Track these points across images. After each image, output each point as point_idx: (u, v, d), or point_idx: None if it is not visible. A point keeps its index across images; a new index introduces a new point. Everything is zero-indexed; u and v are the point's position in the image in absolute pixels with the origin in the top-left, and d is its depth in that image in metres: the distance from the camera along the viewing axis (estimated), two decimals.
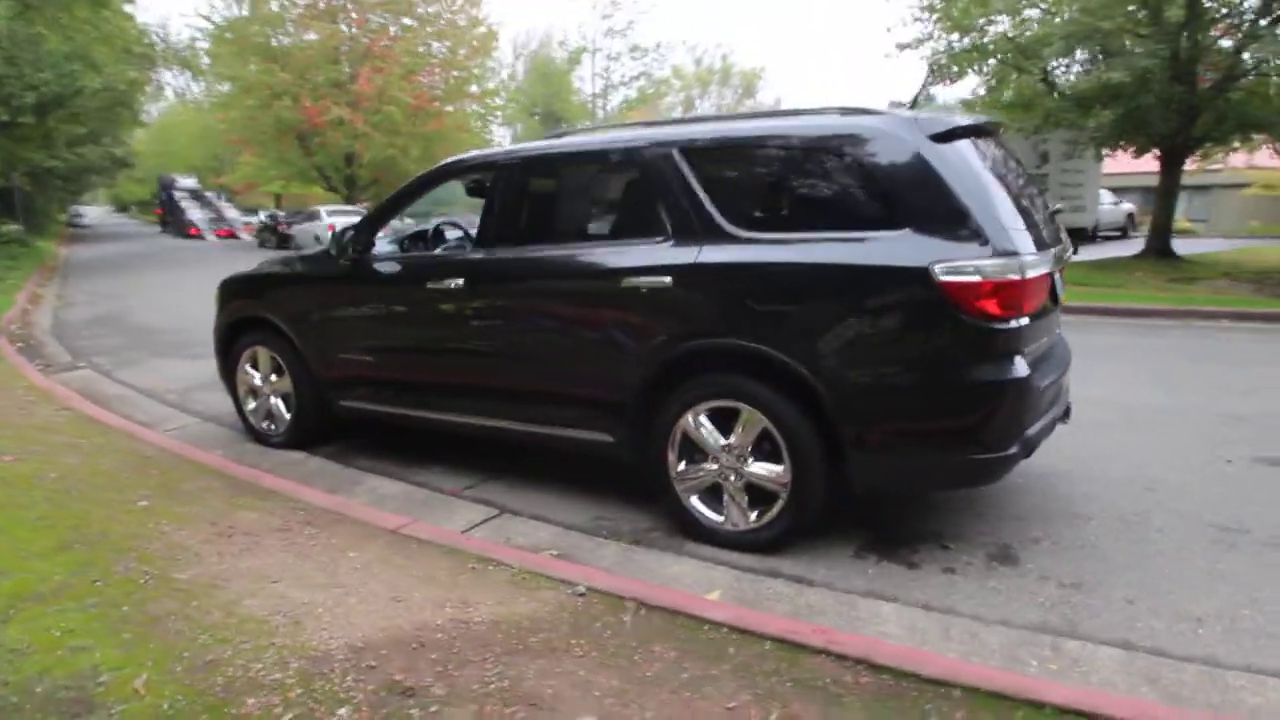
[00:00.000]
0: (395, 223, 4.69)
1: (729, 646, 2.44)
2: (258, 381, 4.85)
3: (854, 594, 2.96)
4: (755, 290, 3.11)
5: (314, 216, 24.46)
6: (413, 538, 3.26)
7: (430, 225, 4.72)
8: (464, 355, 3.90)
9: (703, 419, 3.30)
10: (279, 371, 4.73)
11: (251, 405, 4.93)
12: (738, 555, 3.26)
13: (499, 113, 35.88)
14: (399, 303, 4.12)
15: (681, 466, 3.40)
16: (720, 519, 3.35)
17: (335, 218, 23.47)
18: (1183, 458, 4.31)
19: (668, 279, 3.26)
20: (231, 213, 38.66)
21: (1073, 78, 13.71)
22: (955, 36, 13.54)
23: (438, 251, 4.39)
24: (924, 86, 14.45)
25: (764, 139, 3.25)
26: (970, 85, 14.27)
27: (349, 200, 29.73)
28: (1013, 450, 2.94)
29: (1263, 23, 11.49)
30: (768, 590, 2.97)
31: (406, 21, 29.67)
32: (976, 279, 2.80)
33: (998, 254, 2.82)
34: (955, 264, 2.81)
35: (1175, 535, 3.38)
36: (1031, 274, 2.87)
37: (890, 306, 2.94)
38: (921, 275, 2.84)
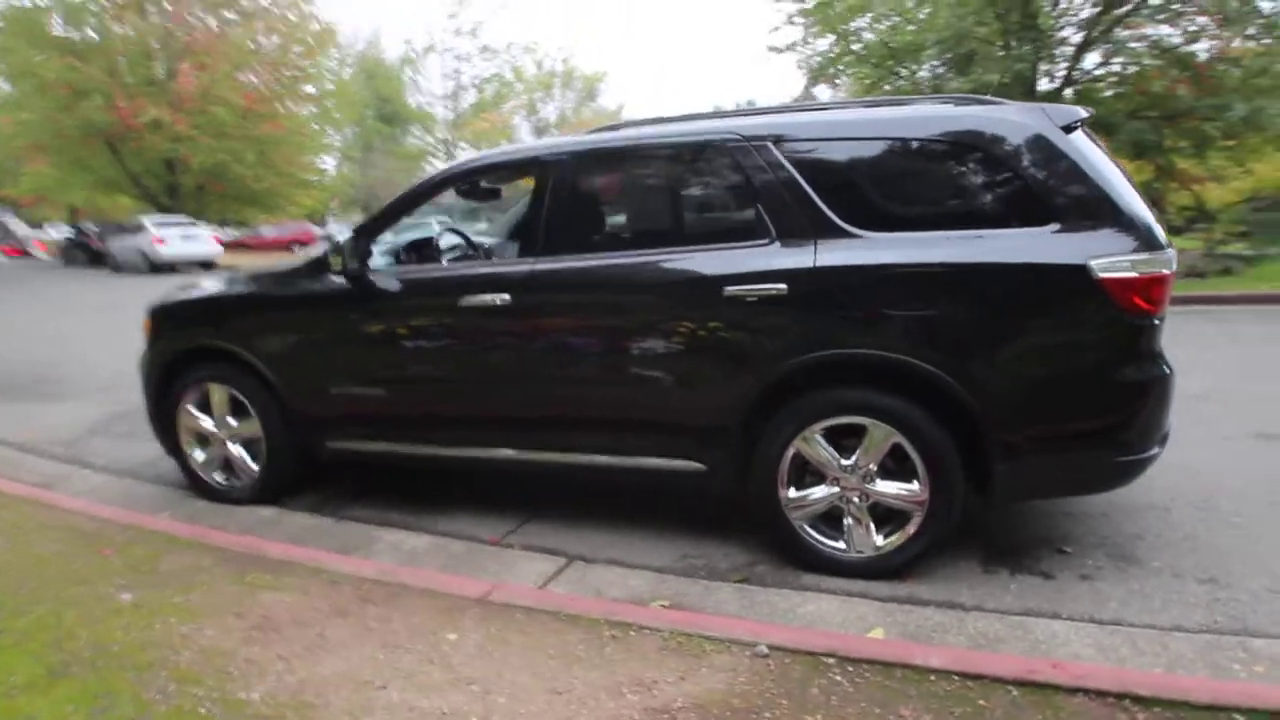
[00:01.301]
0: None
1: (977, 699, 2.15)
2: (208, 426, 4.00)
3: (1013, 614, 2.76)
4: (889, 294, 2.84)
5: (136, 229, 21.70)
6: (511, 605, 2.72)
7: (431, 234, 4.07)
8: (511, 382, 3.35)
9: (819, 438, 3.00)
10: (240, 413, 3.92)
11: (200, 455, 4.06)
12: (867, 584, 2.98)
13: (338, 114, 33.62)
14: (419, 324, 3.49)
15: (792, 492, 3.07)
16: (841, 546, 3.06)
17: (163, 229, 20.93)
18: (1207, 437, 4.49)
19: (782, 286, 2.92)
20: (21, 228, 33.68)
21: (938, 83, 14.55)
22: (831, 40, 14.04)
23: (461, 262, 3.77)
24: (806, 89, 14.91)
25: (882, 131, 2.99)
26: (842, 88, 14.80)
27: (165, 210, 26.63)
28: (1154, 450, 2.86)
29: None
30: (928, 621, 2.71)
31: (229, 15, 27.08)
32: (1133, 274, 2.69)
33: (1148, 247, 2.72)
34: (1112, 259, 2.68)
35: (1253, 518, 3.47)
36: (1173, 267, 2.80)
37: (1044, 305, 2.76)
38: (1077, 272, 2.68)
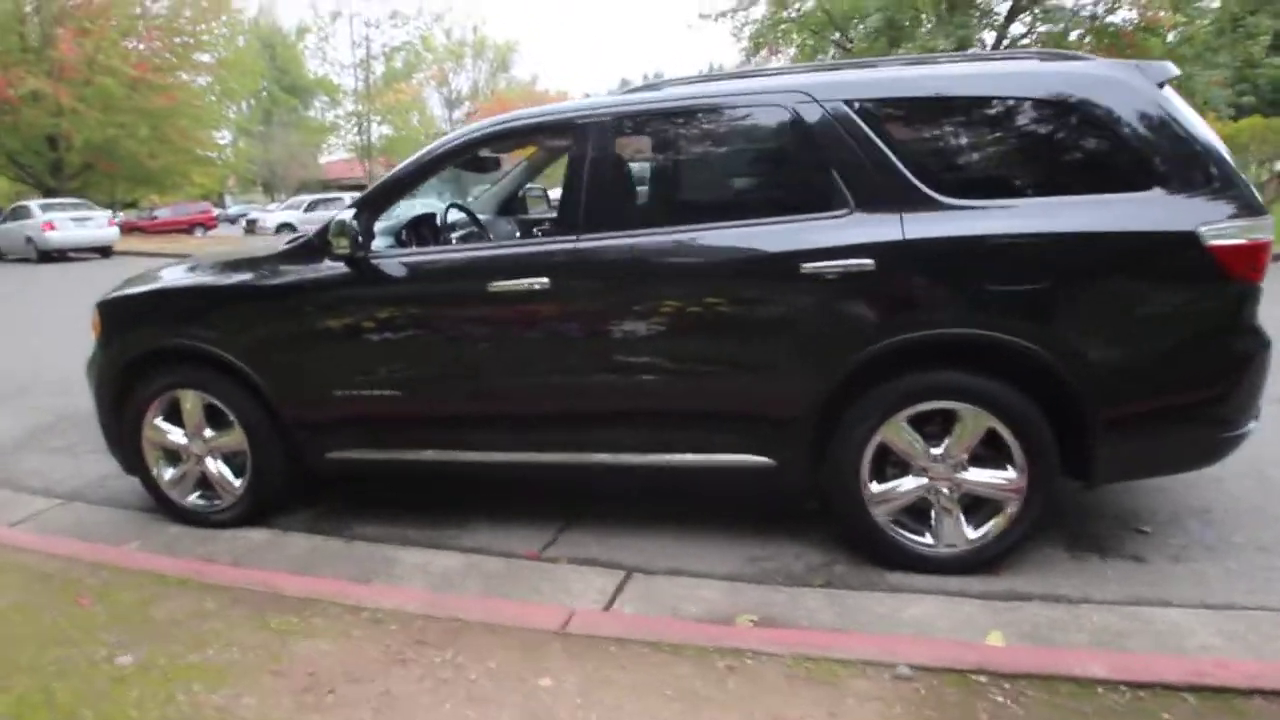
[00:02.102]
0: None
1: (1159, 710, 1.96)
2: (179, 439, 3.46)
3: (1123, 604, 2.61)
4: (985, 268, 2.61)
5: (21, 214, 19.74)
6: (597, 636, 2.38)
7: (438, 211, 3.60)
8: (553, 377, 2.98)
9: (906, 426, 2.76)
10: (219, 422, 3.41)
11: (171, 473, 3.52)
12: (960, 581, 2.78)
13: (234, 85, 31.42)
14: (441, 313, 3.06)
15: (875, 486, 2.83)
16: (928, 541, 2.84)
17: (53, 213, 19.10)
18: None
19: (868, 261, 2.64)
20: None
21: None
22: (765, 6, 13.83)
23: (481, 242, 3.30)
24: (747, 58, 14.65)
25: (969, 89, 2.73)
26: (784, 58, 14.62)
27: (51, 192, 24.36)
28: (1252, 425, 2.74)
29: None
30: (1041, 618, 2.52)
31: None
32: (1242, 241, 2.53)
33: (1250, 212, 2.56)
34: (1221, 226, 2.51)
35: None
36: (1273, 234, 2.67)
37: (1151, 276, 2.58)
38: (1187, 240, 2.51)
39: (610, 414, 3.00)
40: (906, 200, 2.67)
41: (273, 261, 3.31)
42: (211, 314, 3.34)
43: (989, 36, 14.02)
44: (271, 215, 29.09)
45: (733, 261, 2.81)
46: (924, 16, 12.74)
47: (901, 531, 2.85)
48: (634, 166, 2.98)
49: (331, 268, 3.15)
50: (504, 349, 3.02)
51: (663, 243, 2.86)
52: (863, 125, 2.72)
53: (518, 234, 4.30)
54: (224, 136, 31.76)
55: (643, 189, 3.01)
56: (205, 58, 27.51)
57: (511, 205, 4.57)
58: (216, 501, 3.50)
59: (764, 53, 13.86)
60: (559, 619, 2.47)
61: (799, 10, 13.77)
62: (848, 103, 2.75)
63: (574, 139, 2.98)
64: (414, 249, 3.24)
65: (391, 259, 3.12)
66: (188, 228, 29.61)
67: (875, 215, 2.68)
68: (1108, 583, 2.76)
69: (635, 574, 2.93)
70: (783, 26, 13.56)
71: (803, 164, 2.81)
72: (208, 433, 3.44)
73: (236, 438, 3.38)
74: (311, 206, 28.33)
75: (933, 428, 2.77)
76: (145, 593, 2.75)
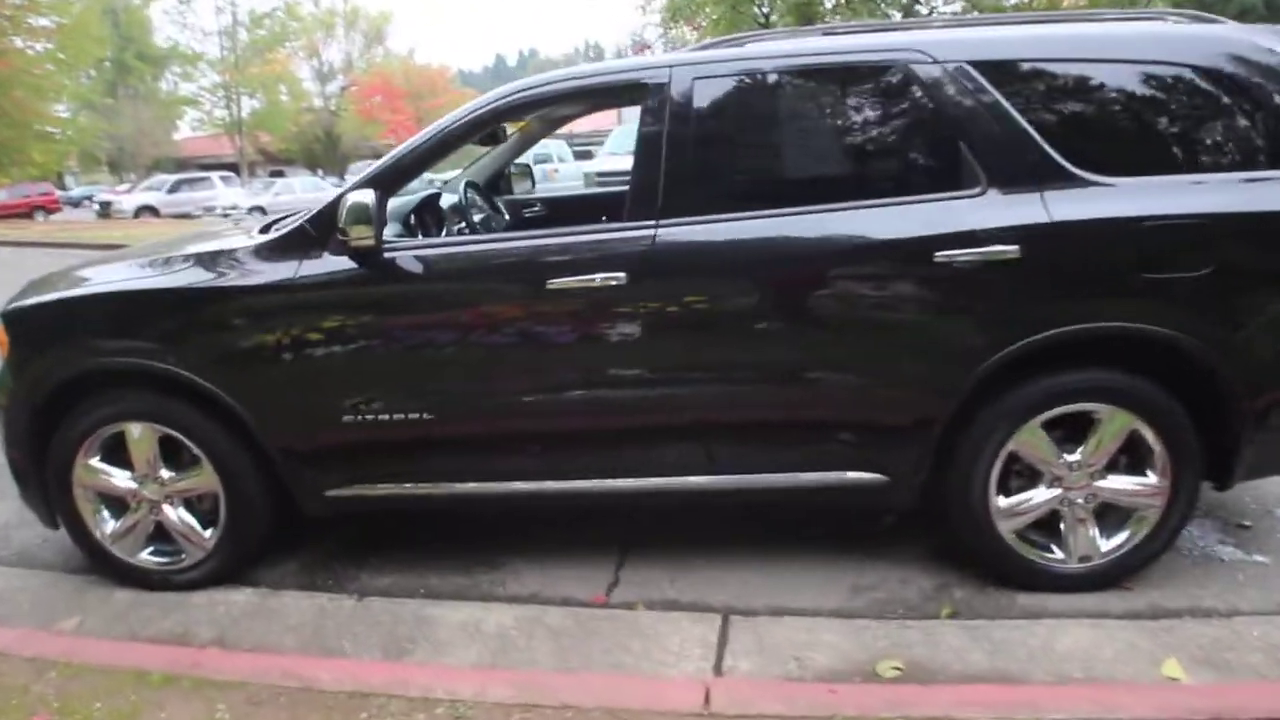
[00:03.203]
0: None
1: None
2: (125, 483, 2.73)
3: (1275, 614, 2.42)
4: (1140, 253, 2.31)
5: None
6: (754, 716, 1.93)
7: (456, 193, 2.97)
8: (623, 387, 2.48)
9: (1041, 432, 2.45)
10: (178, 460, 2.71)
11: (114, 525, 2.78)
12: (1096, 599, 2.51)
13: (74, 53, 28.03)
14: (485, 317, 2.48)
15: (1002, 500, 2.51)
16: (1059, 556, 2.55)
17: None
18: None
19: (1013, 248, 2.29)
20: None
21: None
22: None
23: (529, 231, 2.69)
24: (666, 29, 14.20)
25: (1110, 52, 2.40)
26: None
27: None
28: None
29: None
30: (1205, 639, 2.28)
31: None
32: None
33: None
34: None
35: None
36: None
37: None
38: None
39: (692, 431, 2.54)
40: (1046, 176, 2.33)
41: (250, 256, 2.62)
42: (167, 325, 2.61)
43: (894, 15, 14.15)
44: (129, 197, 26.23)
45: (848, 250, 2.40)
46: None
47: (1029, 548, 2.56)
48: (724, 137, 2.48)
49: (336, 263, 2.51)
50: (565, 358, 2.49)
51: (762, 230, 2.41)
52: (992, 90, 2.36)
53: (507, 218, 3.72)
54: (65, 110, 28.27)
55: (732, 164, 2.53)
56: (44, 22, 24.32)
57: (496, 185, 3.97)
58: (179, 558, 2.79)
59: (686, 29, 13.50)
60: (695, 696, 2.01)
61: None
62: (973, 64, 2.38)
63: (647, 103, 2.46)
64: (445, 239, 2.64)
65: (418, 251, 2.52)
66: (27, 211, 26.30)
67: (1013, 194, 2.33)
68: (1243, 587, 2.57)
69: (733, 617, 2.49)
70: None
71: (924, 135, 2.43)
72: (165, 473, 2.72)
73: (205, 478, 2.69)
74: (175, 187, 25.79)
75: (1057, 432, 2.49)
76: (123, 700, 2.08)
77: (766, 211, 2.42)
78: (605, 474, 2.59)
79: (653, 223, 2.42)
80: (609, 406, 2.52)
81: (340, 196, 2.48)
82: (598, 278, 2.39)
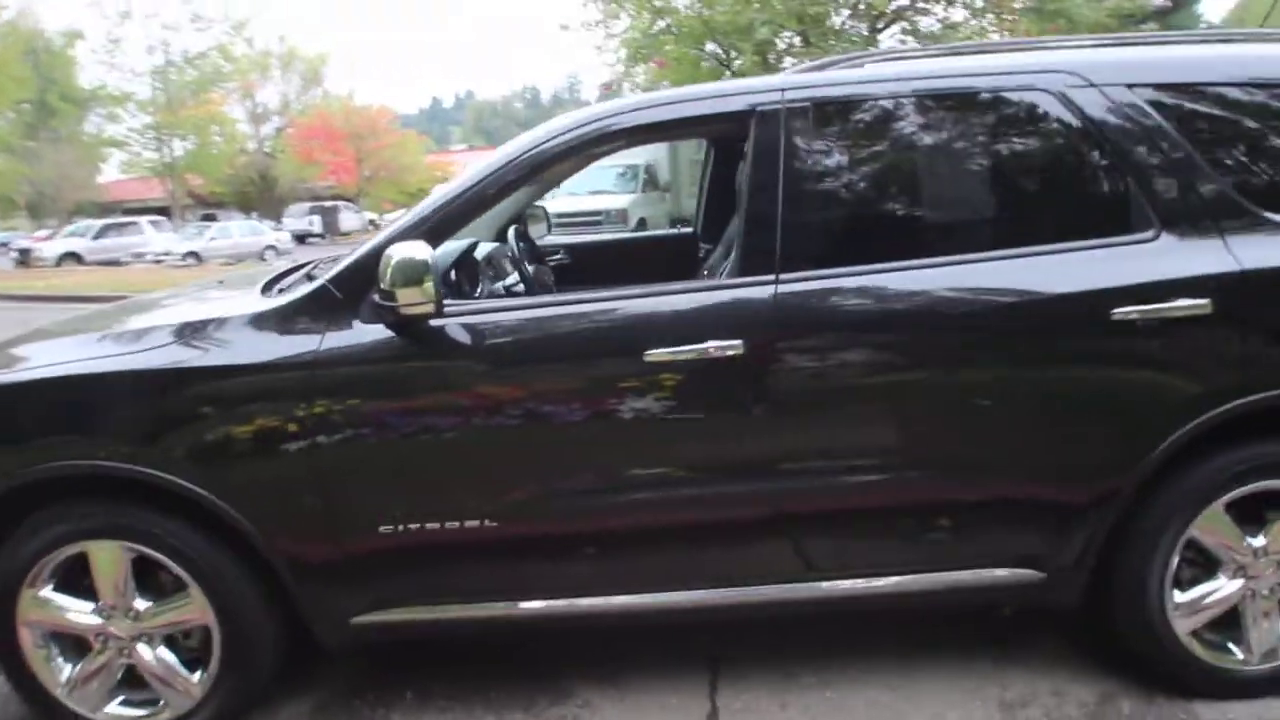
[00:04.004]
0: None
1: None
2: (86, 618, 2.13)
3: None
4: None
5: None
6: None
7: (482, 249, 2.48)
8: (738, 477, 2.03)
9: (1223, 515, 2.08)
10: (157, 587, 2.13)
11: (69, 671, 2.17)
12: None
13: None
14: (566, 396, 2.00)
15: (1178, 595, 2.13)
16: (1240, 655, 2.17)
17: None
18: None
19: (1203, 301, 1.93)
20: None
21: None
22: (644, 18, 13.27)
23: (611, 290, 2.19)
24: (627, 70, 13.99)
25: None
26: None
27: None
28: None
29: None
30: None
31: None
32: None
33: None
34: None
35: None
36: None
37: None
38: None
39: (813, 526, 2.09)
40: (1226, 217, 2.00)
41: (251, 325, 2.08)
42: (142, 416, 2.05)
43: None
44: (50, 244, 24.71)
45: (1007, 307, 2.01)
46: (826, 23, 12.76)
47: (1205, 649, 2.17)
48: (850, 174, 2.08)
49: (373, 333, 2.00)
50: (665, 444, 2.03)
51: (904, 284, 2.00)
52: (1159, 118, 2.02)
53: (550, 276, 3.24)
54: None
55: (863, 206, 2.12)
56: None
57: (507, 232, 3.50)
58: (158, 709, 2.19)
59: (652, 65, 13.30)
60: None
61: (672, 22, 13.30)
62: (1132, 87, 2.04)
63: (756, 133, 2.04)
64: (513, 300, 2.14)
65: (481, 317, 2.02)
66: None
67: (1191, 239, 1.99)
68: None
69: None
70: (662, 37, 13.05)
71: (1085, 170, 2.06)
72: (140, 603, 2.13)
73: (193, 608, 2.11)
74: (101, 233, 24.42)
75: (1233, 513, 2.12)
76: None
77: (907, 263, 2.01)
78: (712, 582, 2.12)
79: (771, 277, 1.99)
80: (717, 501, 2.05)
81: (376, 250, 1.98)
82: (710, 346, 1.93)
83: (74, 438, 2.07)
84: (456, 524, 2.02)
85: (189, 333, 2.14)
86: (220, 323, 2.12)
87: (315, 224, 35.47)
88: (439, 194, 2.09)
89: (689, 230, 3.71)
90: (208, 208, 37.73)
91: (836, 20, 13.53)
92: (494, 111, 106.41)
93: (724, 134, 2.45)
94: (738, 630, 2.54)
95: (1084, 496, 2.05)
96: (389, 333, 1.99)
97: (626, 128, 2.15)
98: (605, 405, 1.99)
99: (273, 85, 45.12)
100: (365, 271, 2.01)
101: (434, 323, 1.97)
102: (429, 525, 2.03)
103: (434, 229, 2.03)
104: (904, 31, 14.28)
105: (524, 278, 2.51)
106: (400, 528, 2.04)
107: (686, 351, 1.94)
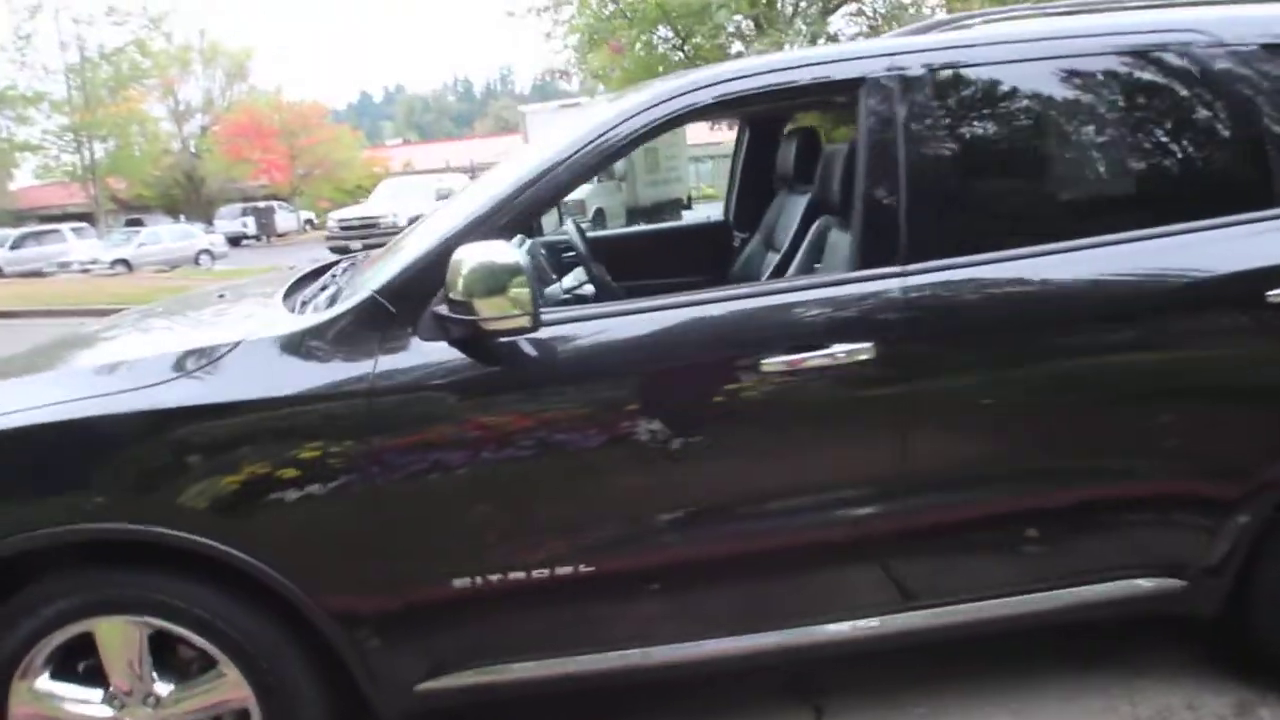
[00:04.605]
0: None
1: None
2: (98, 710, 1.77)
3: None
4: None
5: None
6: None
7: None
8: (877, 502, 1.78)
9: None
10: (180, 666, 1.78)
11: None
12: None
13: None
14: (680, 412, 1.71)
15: None
16: None
17: None
18: None
19: None
20: None
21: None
22: (595, 3, 12.91)
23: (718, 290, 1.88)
24: (581, 57, 13.57)
25: None
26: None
27: None
28: None
29: None
30: None
31: None
32: None
33: None
34: None
35: None
36: None
37: None
38: None
39: (946, 543, 1.87)
40: None
41: (281, 349, 1.74)
42: (150, 465, 1.69)
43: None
44: None
45: (1153, 295, 1.81)
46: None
47: None
48: (976, 150, 1.83)
49: (439, 353, 1.68)
50: (790, 462, 1.76)
51: (1045, 270, 1.77)
52: None
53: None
54: None
55: (993, 184, 1.88)
56: None
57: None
58: None
59: (607, 50, 12.91)
60: None
61: (625, 6, 12.96)
62: (1271, 49, 1.86)
63: (870, 104, 1.78)
64: (608, 305, 1.80)
65: (576, 327, 1.71)
66: None
67: None
68: None
69: None
70: (616, 20, 12.68)
71: (1219, 139, 1.87)
72: (160, 687, 1.78)
73: (226, 688, 1.77)
74: (19, 243, 22.94)
75: None
76: None
77: (1045, 247, 1.78)
78: (816, 616, 1.87)
79: (896, 269, 1.74)
80: (839, 524, 1.80)
81: (437, 253, 1.67)
82: (838, 351, 1.68)
83: (61, 497, 1.70)
84: (546, 572, 1.73)
85: (204, 360, 1.78)
86: (245, 347, 1.77)
87: (249, 225, 34.16)
88: (500, 185, 1.77)
89: (719, 220, 3.44)
90: (132, 212, 35.89)
91: (789, 6, 13.40)
92: (425, 106, 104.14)
93: (828, 106, 2.20)
94: (839, 660, 2.30)
95: (1236, 491, 1.86)
96: (458, 352, 1.68)
97: (710, 103, 1.86)
98: (718, 423, 1.72)
99: (195, 81, 43.23)
100: (424, 279, 1.70)
101: (526, 339, 1.67)
102: (513, 575, 1.73)
103: (503, 225, 1.72)
104: (854, 14, 14.23)
105: (592, 277, 2.21)
106: (478, 580, 1.73)
107: (810, 358, 1.69)
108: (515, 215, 1.74)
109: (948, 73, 1.82)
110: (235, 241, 29.62)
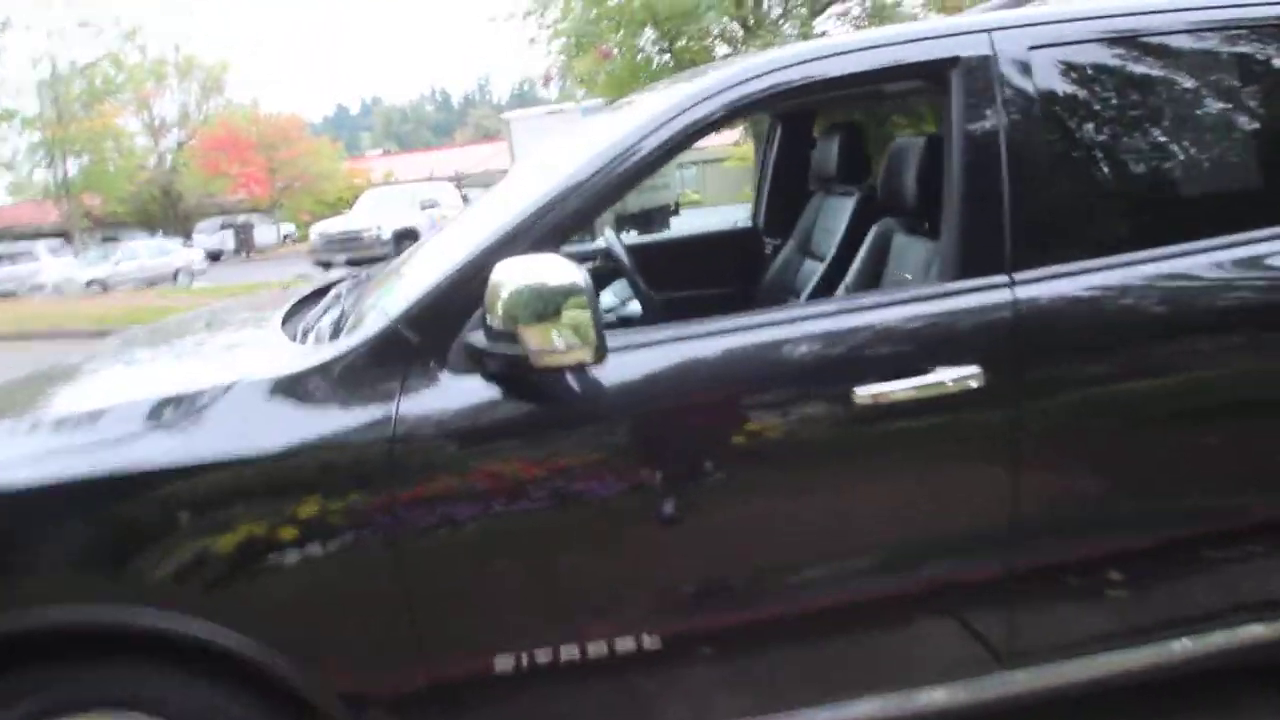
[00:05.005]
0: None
1: None
2: None
3: None
4: None
5: None
6: None
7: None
8: (974, 540, 1.54)
9: None
10: None
11: None
12: None
13: None
14: (762, 455, 1.46)
15: None
16: None
17: None
18: None
19: None
20: None
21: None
22: (583, 6, 12.68)
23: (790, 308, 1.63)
24: (567, 64, 13.32)
25: None
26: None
27: None
28: None
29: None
30: None
31: None
32: None
33: None
34: None
35: None
36: None
37: None
38: None
39: (1074, 587, 1.63)
40: None
41: (289, 388, 1.47)
42: (132, 539, 1.40)
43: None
44: None
45: None
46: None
47: None
48: (1089, 139, 1.59)
49: (469, 389, 1.42)
50: (879, 509, 1.51)
51: (1179, 271, 1.54)
52: None
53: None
54: None
55: (1109, 178, 1.63)
56: None
57: None
58: None
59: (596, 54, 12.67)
60: None
61: (613, 9, 12.76)
62: None
63: (965, 87, 1.54)
64: (673, 328, 1.52)
65: (642, 355, 1.44)
66: None
67: None
68: None
69: None
70: (604, 23, 12.46)
71: None
72: None
73: None
74: None
75: None
76: None
77: (1178, 248, 1.55)
78: (931, 677, 1.62)
79: (1004, 278, 1.50)
80: (943, 573, 1.56)
81: (468, 271, 1.41)
82: (945, 377, 1.43)
83: (38, 577, 1.42)
84: (605, 650, 1.46)
85: (187, 409, 1.50)
86: (238, 391, 1.49)
87: (228, 240, 33.65)
88: (543, 187, 1.51)
89: (746, 225, 3.19)
90: (108, 229, 35.25)
91: (777, 7, 13.26)
92: (404, 116, 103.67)
93: (911, 91, 1.96)
94: None
95: None
96: (498, 389, 1.41)
97: (773, 92, 1.61)
98: (807, 461, 1.47)
99: (171, 95, 42.69)
100: (453, 303, 1.44)
101: (584, 374, 1.40)
102: (565, 649, 1.46)
103: (547, 236, 1.46)
104: (841, 14, 14.13)
105: (640, 294, 1.94)
106: (523, 656, 1.47)
107: (911, 386, 1.43)
108: (566, 222, 1.48)
109: (1060, 49, 1.57)
110: (215, 257, 29.16)
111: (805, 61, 1.63)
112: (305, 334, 1.73)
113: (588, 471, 1.42)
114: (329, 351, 1.51)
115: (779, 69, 1.62)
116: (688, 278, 2.88)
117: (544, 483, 1.41)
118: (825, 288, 2.47)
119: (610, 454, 1.43)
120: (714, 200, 31.84)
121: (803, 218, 2.89)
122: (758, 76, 1.61)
